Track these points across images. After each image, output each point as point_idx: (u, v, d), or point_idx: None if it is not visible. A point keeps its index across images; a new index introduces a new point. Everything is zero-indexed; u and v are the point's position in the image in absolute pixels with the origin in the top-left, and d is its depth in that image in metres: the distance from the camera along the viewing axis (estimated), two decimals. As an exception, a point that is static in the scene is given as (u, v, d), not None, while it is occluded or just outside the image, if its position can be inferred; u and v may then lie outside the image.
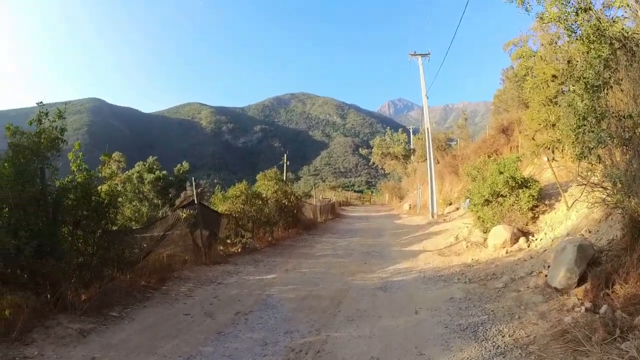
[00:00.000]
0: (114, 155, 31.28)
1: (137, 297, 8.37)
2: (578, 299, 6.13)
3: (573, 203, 11.37)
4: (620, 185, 6.07)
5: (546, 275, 7.61)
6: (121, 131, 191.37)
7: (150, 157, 35.73)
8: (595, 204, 7.66)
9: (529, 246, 11.20)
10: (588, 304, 5.71)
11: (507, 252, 11.24)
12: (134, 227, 10.75)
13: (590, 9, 7.14)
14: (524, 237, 11.77)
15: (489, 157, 19.55)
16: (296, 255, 15.30)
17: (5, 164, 7.21)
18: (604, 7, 7.81)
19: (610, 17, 7.34)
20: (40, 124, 7.96)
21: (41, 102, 8.11)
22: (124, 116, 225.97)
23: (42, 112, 7.99)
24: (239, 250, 15.04)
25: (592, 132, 6.38)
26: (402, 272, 11.27)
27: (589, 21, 7.29)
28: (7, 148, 7.49)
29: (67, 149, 8.63)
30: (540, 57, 14.88)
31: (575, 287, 6.60)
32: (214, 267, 11.96)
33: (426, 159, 31.83)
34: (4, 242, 6.35)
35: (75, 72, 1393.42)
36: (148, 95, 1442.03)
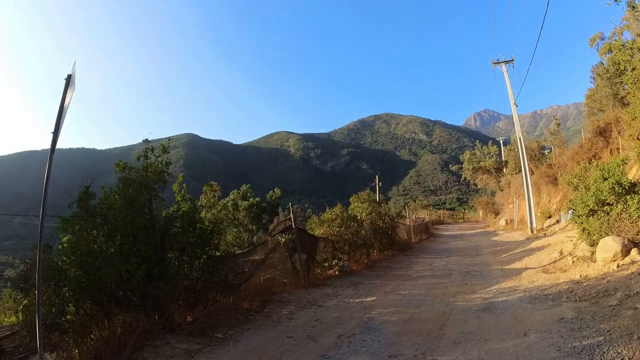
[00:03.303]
0: (211, 184, 32.70)
1: (240, 320, 8.60)
2: (703, 314, 5.56)
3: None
4: None
5: None
6: (215, 162, 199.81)
7: (244, 185, 36.90)
8: None
9: None
10: None
11: (618, 266, 10.36)
12: (236, 252, 11.15)
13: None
14: (636, 249, 10.79)
15: (589, 162, 18.40)
16: (394, 277, 15.04)
17: (116, 196, 7.78)
18: None
19: None
20: (147, 159, 8.51)
21: (147, 139, 8.68)
22: (217, 148, 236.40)
23: (148, 148, 8.55)
24: (336, 273, 15.09)
25: None
26: (506, 292, 10.74)
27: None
28: (117, 182, 8.05)
29: (171, 180, 9.15)
30: (637, 48, 13.86)
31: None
32: (312, 290, 12.06)
33: (520, 171, 30.63)
34: (117, 266, 6.81)
35: (171, 111, 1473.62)
36: (239, 127, 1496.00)
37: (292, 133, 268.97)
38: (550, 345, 6.10)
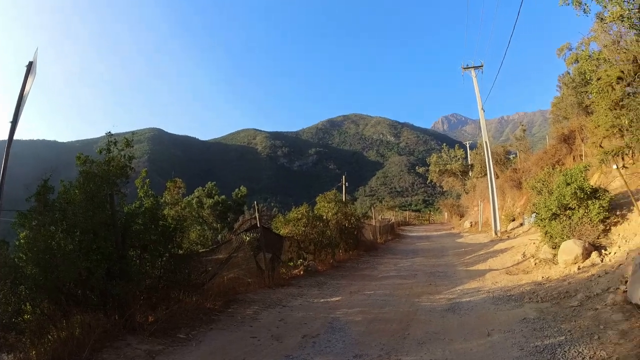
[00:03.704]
0: (175, 180, 32.19)
1: (204, 320, 8.43)
2: (662, 316, 5.70)
3: (647, 211, 10.85)
4: None
5: (624, 292, 7.16)
6: (180, 158, 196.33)
7: (209, 182, 36.51)
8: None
9: (602, 261, 10.61)
10: (675, 322, 5.27)
11: (579, 268, 10.69)
12: (199, 251, 10.95)
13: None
14: (596, 252, 11.16)
15: (552, 168, 18.87)
16: (359, 277, 15.09)
17: (77, 191, 7.53)
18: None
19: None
20: (109, 152, 8.29)
21: (110, 133, 8.47)
22: (182, 144, 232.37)
23: (111, 142, 8.34)
24: (302, 272, 14.98)
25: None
26: (470, 293, 10.90)
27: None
28: (78, 176, 7.80)
29: (134, 176, 8.93)
30: (604, 59, 14.33)
31: (658, 304, 6.17)
32: (277, 290, 11.95)
33: (485, 175, 31.12)
34: (76, 264, 6.59)
35: (135, 105, 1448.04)
36: (205, 123, 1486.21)
37: (260, 131, 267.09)
38: (513, 345, 6.21)
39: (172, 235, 8.75)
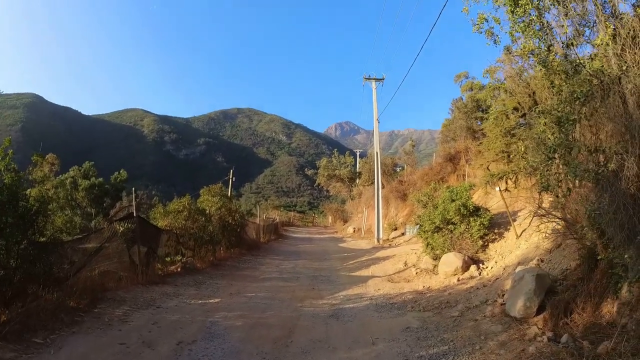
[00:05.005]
0: (47, 157, 29.58)
1: (65, 321, 7.40)
2: (538, 328, 6.10)
3: (522, 232, 11.80)
4: (586, 218, 5.95)
5: (502, 304, 7.60)
6: (58, 132, 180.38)
7: (87, 162, 34.23)
8: (549, 234, 7.90)
9: (480, 274, 11.34)
10: (549, 334, 5.71)
11: (458, 280, 11.31)
12: (64, 239, 9.85)
13: (572, 44, 7.10)
14: (474, 265, 11.91)
15: (437, 184, 19.83)
16: (240, 277, 14.68)
17: None
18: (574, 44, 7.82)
19: (588, 54, 7.33)
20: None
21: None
22: (62, 116, 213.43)
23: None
24: (179, 269, 14.21)
25: (566, 165, 6.28)
26: (353, 299, 10.95)
27: (556, 55, 7.22)
28: None
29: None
30: (504, 89, 15.30)
31: (534, 316, 6.64)
32: (151, 288, 11.10)
33: (372, 183, 31.99)
34: None
35: (14, 63, 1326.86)
36: (90, 96, 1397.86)
37: (149, 112, 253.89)
38: (398, 354, 6.28)
39: (33, 219, 7.65)
